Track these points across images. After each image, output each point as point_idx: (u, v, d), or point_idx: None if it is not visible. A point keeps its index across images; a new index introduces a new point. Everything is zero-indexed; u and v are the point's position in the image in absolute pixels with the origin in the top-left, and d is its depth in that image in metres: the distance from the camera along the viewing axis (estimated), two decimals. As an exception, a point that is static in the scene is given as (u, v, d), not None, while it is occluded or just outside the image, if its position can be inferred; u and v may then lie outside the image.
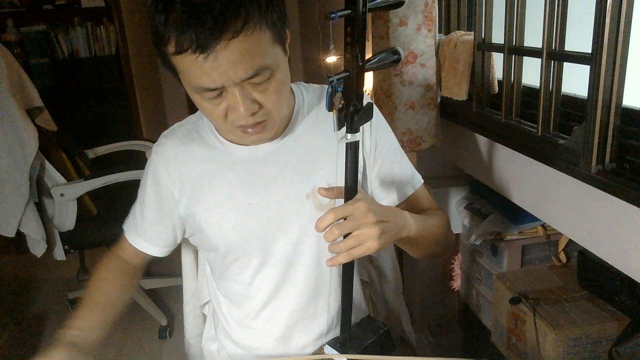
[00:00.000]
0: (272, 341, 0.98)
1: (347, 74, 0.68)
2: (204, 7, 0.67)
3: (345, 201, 0.75)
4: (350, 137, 0.73)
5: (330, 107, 0.69)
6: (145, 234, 0.98)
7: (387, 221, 0.74)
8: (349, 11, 0.65)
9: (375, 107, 0.99)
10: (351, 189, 0.75)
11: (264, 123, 0.80)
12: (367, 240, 0.71)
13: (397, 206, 0.99)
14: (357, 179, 0.76)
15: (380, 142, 0.95)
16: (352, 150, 0.74)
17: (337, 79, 0.67)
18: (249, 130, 0.80)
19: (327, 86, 0.67)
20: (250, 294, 0.96)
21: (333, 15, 0.63)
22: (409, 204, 0.99)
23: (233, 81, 0.72)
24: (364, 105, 0.72)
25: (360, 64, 0.68)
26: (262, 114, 0.78)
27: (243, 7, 0.68)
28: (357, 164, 0.75)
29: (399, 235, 0.78)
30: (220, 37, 0.67)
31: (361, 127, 0.75)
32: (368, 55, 0.72)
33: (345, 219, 0.71)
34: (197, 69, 0.71)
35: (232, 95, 0.74)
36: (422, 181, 1.01)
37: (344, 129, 0.72)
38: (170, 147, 0.93)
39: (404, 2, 0.71)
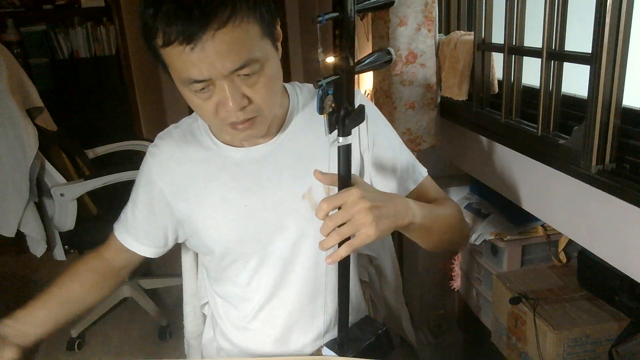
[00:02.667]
0: (270, 342, 0.98)
1: (337, 77, 0.67)
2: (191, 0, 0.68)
3: (339, 190, 0.73)
4: (342, 141, 0.71)
5: (321, 111, 0.68)
6: (133, 232, 0.98)
7: (383, 206, 0.71)
8: (337, 14, 0.64)
9: (372, 104, 0.99)
10: (345, 180, 0.73)
11: (254, 119, 0.80)
12: (362, 228, 0.68)
13: None
14: (350, 181, 0.75)
15: (378, 137, 0.94)
16: (344, 153, 0.72)
17: (327, 82, 0.66)
18: (239, 126, 0.79)
19: (318, 89, 0.66)
20: (248, 295, 0.96)
21: (320, 18, 0.62)
22: (415, 197, 0.98)
23: (221, 73, 0.72)
24: (355, 107, 0.71)
25: (351, 65, 0.67)
26: (252, 110, 0.78)
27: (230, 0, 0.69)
28: (350, 168, 0.74)
29: (400, 222, 0.74)
30: (206, 28, 0.68)
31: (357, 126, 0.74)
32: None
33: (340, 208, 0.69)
34: (185, 61, 0.71)
35: (221, 89, 0.74)
36: (426, 173, 0.98)
37: (335, 132, 0.71)
38: (166, 149, 0.93)
39: (393, 2, 0.70)
